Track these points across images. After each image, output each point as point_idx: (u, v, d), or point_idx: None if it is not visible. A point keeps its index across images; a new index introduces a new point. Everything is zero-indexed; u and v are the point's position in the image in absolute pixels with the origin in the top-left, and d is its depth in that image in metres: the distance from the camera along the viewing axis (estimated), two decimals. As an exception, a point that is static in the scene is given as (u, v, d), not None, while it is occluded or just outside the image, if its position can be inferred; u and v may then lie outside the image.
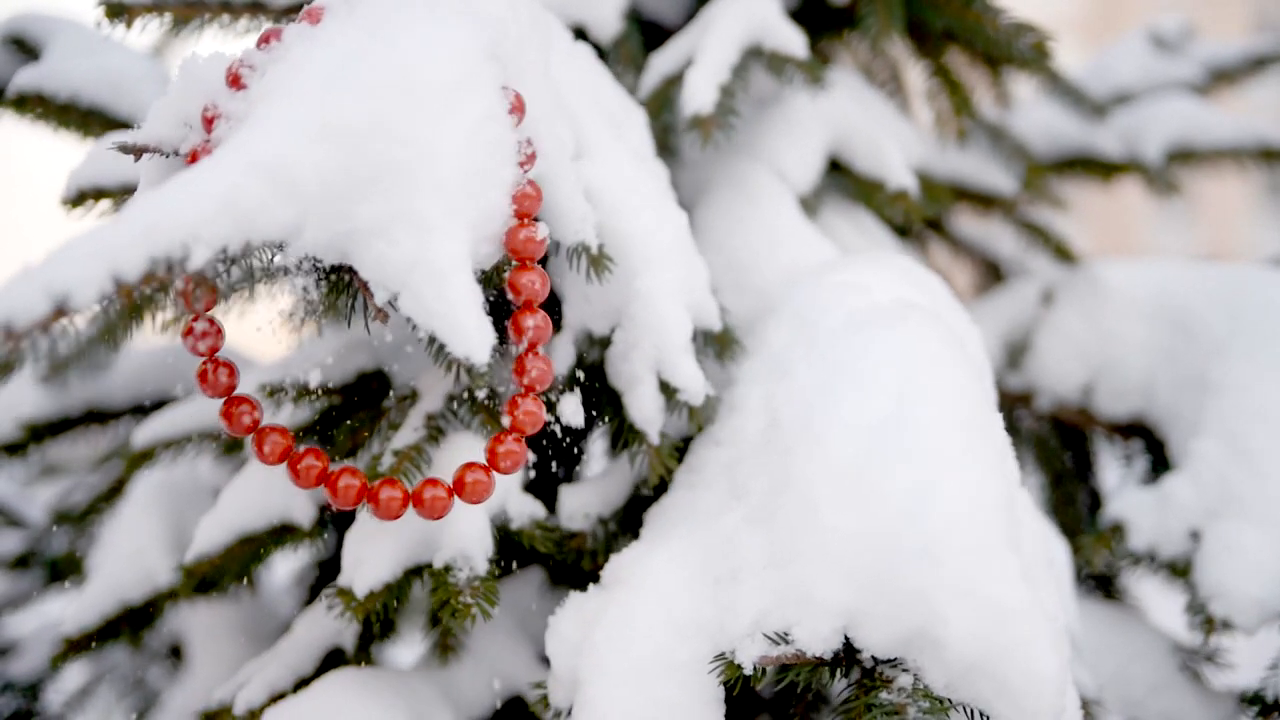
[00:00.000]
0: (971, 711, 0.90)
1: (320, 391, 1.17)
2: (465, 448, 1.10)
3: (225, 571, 1.17)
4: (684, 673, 0.97)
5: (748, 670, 0.93)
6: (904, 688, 0.90)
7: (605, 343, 1.14)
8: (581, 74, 1.20)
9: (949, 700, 0.90)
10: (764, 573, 0.97)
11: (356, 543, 1.09)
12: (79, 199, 1.17)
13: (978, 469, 0.95)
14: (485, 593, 1.04)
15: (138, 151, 0.93)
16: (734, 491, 1.06)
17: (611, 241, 1.10)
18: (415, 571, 1.07)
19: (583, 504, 1.18)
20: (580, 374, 1.15)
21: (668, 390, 1.11)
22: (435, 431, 1.11)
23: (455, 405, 1.13)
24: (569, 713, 0.99)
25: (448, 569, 1.06)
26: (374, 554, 1.07)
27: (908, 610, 0.90)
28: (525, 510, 1.13)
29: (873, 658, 0.92)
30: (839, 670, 0.93)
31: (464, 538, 1.07)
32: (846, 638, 0.93)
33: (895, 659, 0.92)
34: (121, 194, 1.16)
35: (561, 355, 1.14)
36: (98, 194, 1.17)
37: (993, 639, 0.88)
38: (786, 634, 0.93)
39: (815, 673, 0.93)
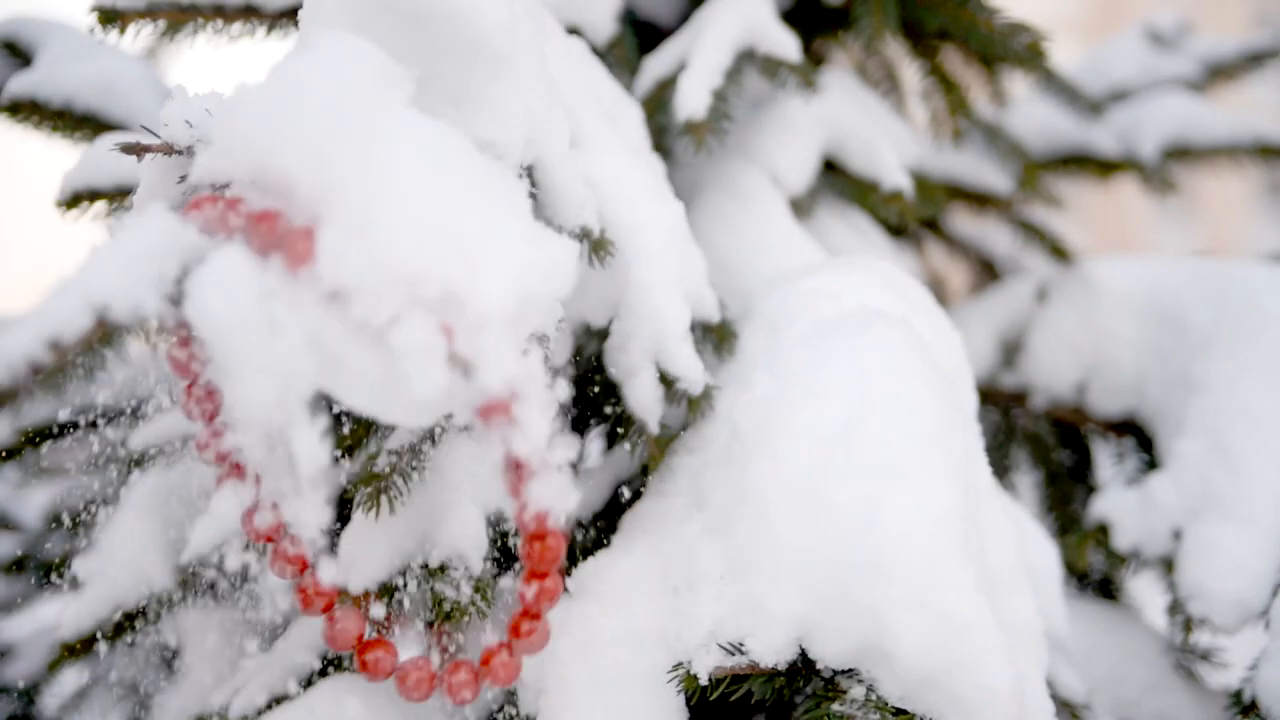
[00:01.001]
0: None
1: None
2: (463, 451, 1.10)
3: (220, 573, 1.17)
4: (645, 683, 0.97)
5: (703, 681, 0.93)
6: (856, 699, 0.90)
7: (603, 335, 1.14)
8: (576, 68, 1.20)
9: (903, 711, 0.89)
10: (720, 583, 0.97)
11: (351, 542, 1.09)
12: (73, 201, 1.17)
13: (932, 480, 0.94)
14: (481, 592, 1.04)
15: (139, 151, 0.93)
16: (697, 501, 1.06)
17: (609, 230, 1.09)
18: (410, 571, 1.07)
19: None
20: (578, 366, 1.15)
21: (666, 380, 1.11)
22: (430, 432, 1.11)
23: None
24: None
25: (443, 568, 1.05)
26: (368, 553, 1.07)
27: (858, 623, 0.90)
28: None
29: (829, 669, 0.92)
30: (798, 681, 0.93)
31: (459, 537, 1.07)
32: (802, 649, 0.92)
33: (851, 670, 0.91)
34: (116, 195, 1.16)
35: (559, 348, 1.14)
36: (92, 195, 1.16)
37: (944, 652, 0.88)
38: (741, 645, 0.93)
39: (771, 683, 0.92)
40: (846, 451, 0.95)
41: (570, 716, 0.96)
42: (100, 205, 1.17)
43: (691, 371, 1.10)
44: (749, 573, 0.95)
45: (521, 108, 0.99)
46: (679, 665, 0.96)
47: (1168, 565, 1.37)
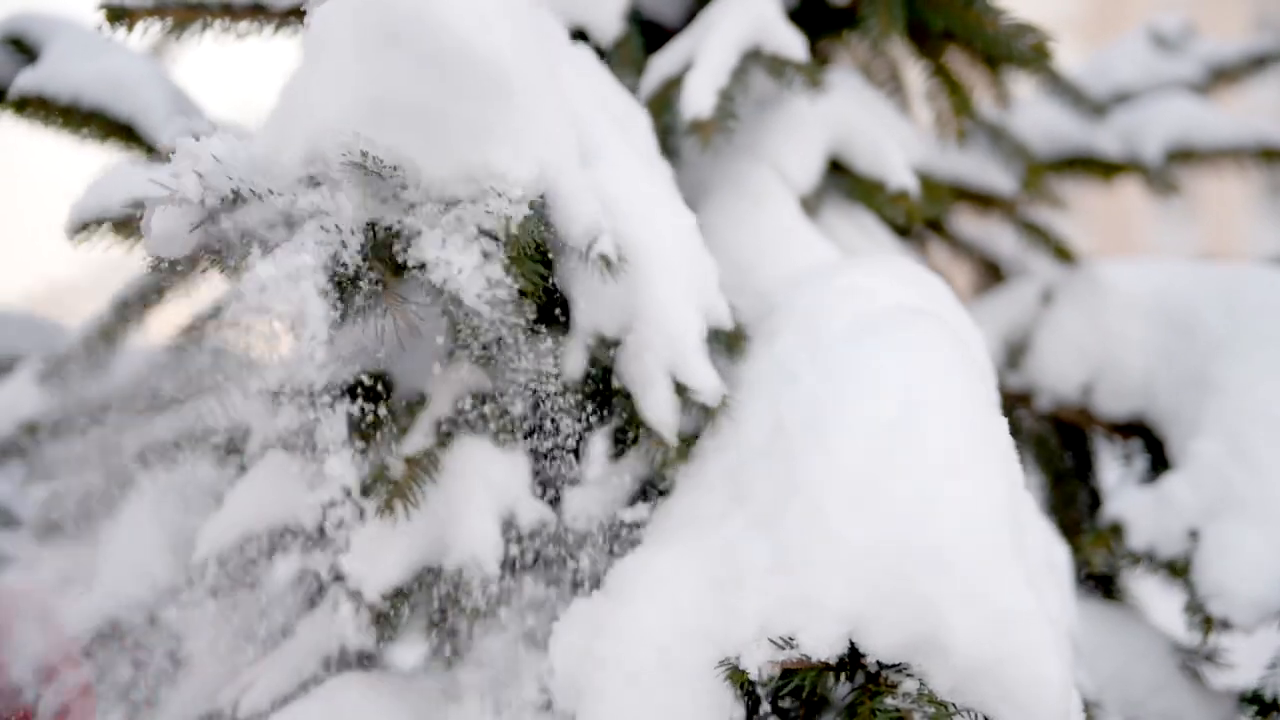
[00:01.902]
0: (976, 716, 0.90)
1: (321, 394, 1.17)
2: (477, 454, 1.10)
3: (230, 574, 1.17)
4: (688, 679, 0.97)
5: (753, 675, 0.93)
6: (909, 693, 0.90)
7: (615, 344, 1.14)
8: (585, 77, 1.20)
9: (953, 705, 0.90)
10: (769, 578, 0.97)
11: (366, 545, 1.09)
12: (83, 229, 1.17)
13: (984, 474, 0.95)
14: (497, 594, 1.05)
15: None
16: (737, 497, 1.06)
17: (622, 243, 1.09)
18: (426, 574, 1.07)
19: (586, 506, 1.18)
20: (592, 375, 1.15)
21: (681, 390, 1.11)
22: (444, 438, 1.11)
23: (464, 411, 1.13)
24: None
25: (459, 572, 1.06)
26: (384, 557, 1.07)
27: (914, 616, 0.90)
28: (533, 513, 1.13)
29: (877, 662, 0.92)
30: (844, 675, 0.93)
31: (474, 540, 1.07)
32: (851, 642, 0.93)
33: (900, 664, 0.91)
34: (124, 221, 1.16)
35: (573, 359, 1.14)
36: (100, 222, 1.17)
37: (998, 644, 0.89)
38: (792, 639, 0.93)
39: (820, 677, 0.93)
40: (901, 445, 0.96)
41: (613, 713, 0.96)
42: (109, 229, 1.17)
43: (706, 383, 1.10)
44: (801, 566, 0.95)
45: (533, 136, 0.99)
46: (725, 660, 0.96)
47: (1178, 567, 1.37)
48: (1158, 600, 1.57)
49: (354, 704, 1.09)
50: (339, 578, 1.16)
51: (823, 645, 0.93)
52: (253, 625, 1.34)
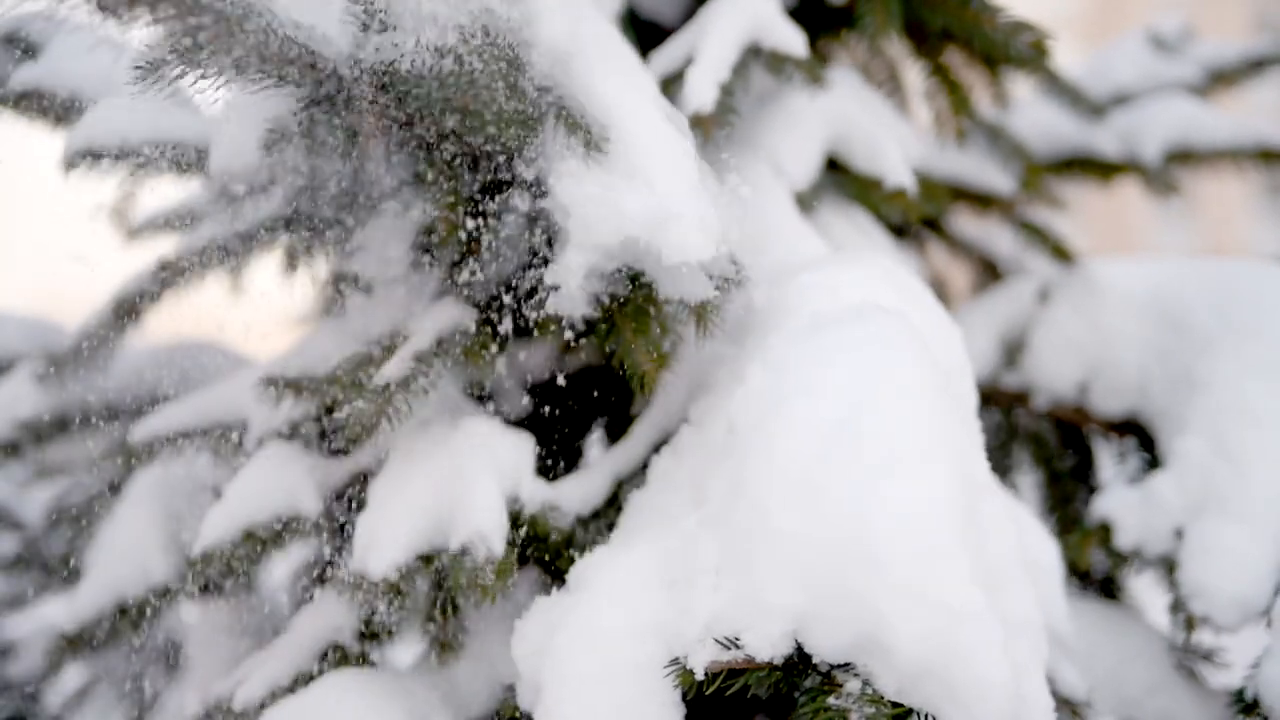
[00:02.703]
0: (925, 716, 0.89)
1: (320, 384, 1.17)
2: (483, 428, 1.10)
3: (231, 565, 1.17)
4: (642, 677, 0.97)
5: (699, 676, 0.93)
6: (851, 693, 0.90)
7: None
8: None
9: (893, 703, 0.89)
10: (716, 577, 0.96)
11: (370, 525, 1.09)
12: (75, 161, 1.17)
13: (929, 472, 0.94)
14: (502, 574, 1.05)
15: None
16: (696, 495, 1.06)
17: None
18: (430, 556, 1.07)
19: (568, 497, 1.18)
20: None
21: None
22: (422, 373, 1.09)
23: (443, 345, 1.12)
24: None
25: (465, 550, 1.05)
26: (388, 536, 1.07)
27: (855, 615, 0.90)
28: (538, 495, 1.13)
29: (825, 662, 0.92)
30: (795, 675, 0.92)
31: (480, 519, 1.07)
32: (799, 643, 0.92)
33: (847, 663, 0.91)
34: (118, 156, 1.16)
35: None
36: (94, 156, 1.17)
37: (941, 644, 0.88)
38: (737, 639, 0.93)
39: (768, 678, 0.92)
40: (843, 443, 0.95)
41: (567, 711, 0.96)
42: (104, 165, 1.18)
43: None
44: (745, 565, 0.95)
45: None
46: (674, 660, 0.96)
47: (1168, 565, 1.37)
48: (1152, 600, 1.57)
49: (350, 700, 1.09)
50: (340, 563, 1.16)
51: (766, 645, 0.92)
52: (251, 617, 1.34)
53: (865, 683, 0.90)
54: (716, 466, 1.05)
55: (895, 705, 0.89)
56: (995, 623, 0.90)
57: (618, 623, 0.99)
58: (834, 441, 0.95)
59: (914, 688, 0.89)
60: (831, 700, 0.90)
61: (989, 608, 0.90)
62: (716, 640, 0.94)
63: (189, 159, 1.20)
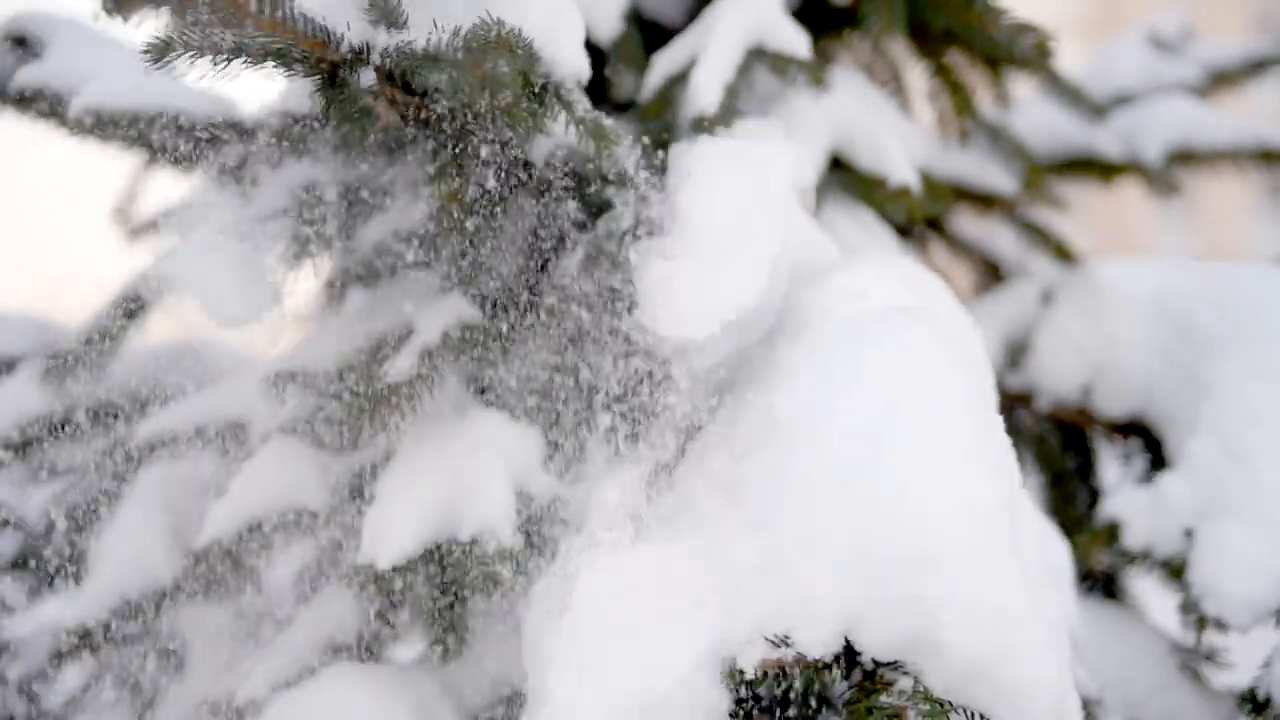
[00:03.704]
0: (971, 714, 0.90)
1: (327, 379, 1.17)
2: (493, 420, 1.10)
3: (235, 558, 1.17)
4: (681, 676, 0.97)
5: (749, 674, 0.93)
6: (904, 690, 0.90)
7: None
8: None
9: (949, 703, 0.90)
10: (763, 576, 0.97)
11: (378, 517, 1.09)
12: (83, 119, 1.17)
13: (976, 472, 0.95)
14: (515, 565, 1.05)
15: None
16: (732, 495, 1.06)
17: None
18: (439, 546, 1.07)
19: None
20: None
21: None
22: (430, 370, 1.09)
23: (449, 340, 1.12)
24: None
25: (475, 541, 1.05)
26: (397, 527, 1.07)
27: (906, 614, 0.91)
28: (547, 487, 1.14)
29: (873, 660, 0.92)
30: (839, 673, 0.93)
31: (489, 509, 1.07)
32: (847, 640, 0.93)
33: (895, 662, 0.92)
34: (129, 119, 1.16)
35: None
36: (102, 118, 1.17)
37: (991, 644, 0.89)
38: (787, 637, 0.94)
39: (816, 675, 0.93)
40: (893, 444, 0.96)
41: (590, 712, 0.95)
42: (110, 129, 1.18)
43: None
44: (794, 564, 0.95)
45: None
46: (721, 658, 0.96)
47: (1173, 568, 1.38)
48: (1158, 600, 1.58)
49: (352, 695, 1.09)
50: (347, 556, 1.16)
51: (817, 643, 0.93)
52: (255, 612, 1.34)
53: (916, 680, 0.91)
54: (756, 463, 1.05)
55: (947, 704, 0.90)
56: (1041, 623, 0.90)
57: (653, 616, 0.99)
58: (883, 442, 0.96)
59: (963, 687, 0.90)
60: (884, 698, 0.91)
61: (1034, 607, 0.91)
62: (767, 638, 0.94)
63: (196, 135, 1.19)
